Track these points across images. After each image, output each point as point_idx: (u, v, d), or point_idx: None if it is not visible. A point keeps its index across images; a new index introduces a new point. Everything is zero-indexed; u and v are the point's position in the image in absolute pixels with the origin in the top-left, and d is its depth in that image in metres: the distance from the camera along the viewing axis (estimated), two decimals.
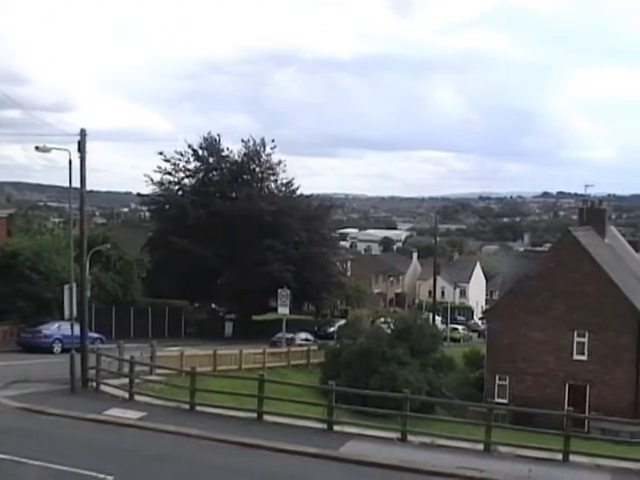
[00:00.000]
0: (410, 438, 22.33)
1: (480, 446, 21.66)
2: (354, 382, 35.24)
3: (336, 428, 23.10)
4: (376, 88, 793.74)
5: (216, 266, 63.23)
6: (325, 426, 23.24)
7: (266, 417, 24.19)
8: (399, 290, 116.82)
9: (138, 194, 78.04)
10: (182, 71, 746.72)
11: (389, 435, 22.69)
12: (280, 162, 71.27)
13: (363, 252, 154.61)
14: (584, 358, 41.68)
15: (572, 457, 20.84)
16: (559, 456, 20.92)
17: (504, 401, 41.54)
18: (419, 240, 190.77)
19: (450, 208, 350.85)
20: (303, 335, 58.42)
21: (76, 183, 29.28)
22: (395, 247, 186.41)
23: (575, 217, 57.70)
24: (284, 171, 71.51)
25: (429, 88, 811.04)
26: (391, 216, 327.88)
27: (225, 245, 63.30)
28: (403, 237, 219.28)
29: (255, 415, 24.32)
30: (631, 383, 40.70)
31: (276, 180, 72.09)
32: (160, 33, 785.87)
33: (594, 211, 51.52)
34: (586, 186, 56.63)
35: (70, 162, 28.30)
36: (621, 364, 40.91)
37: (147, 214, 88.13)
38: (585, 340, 41.67)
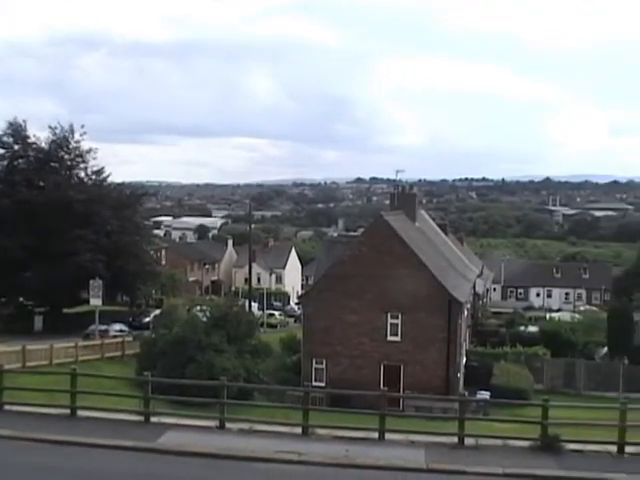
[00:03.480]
0: (228, 425, 22.15)
1: (298, 429, 21.75)
2: (171, 372, 34.88)
3: (153, 419, 22.58)
4: (189, 74, 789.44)
5: (23, 258, 60.62)
6: (142, 418, 22.67)
7: (80, 412, 23.28)
8: (215, 278, 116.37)
9: None
10: None
11: (207, 424, 22.39)
12: (90, 149, 69.17)
13: (178, 240, 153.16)
14: (398, 339, 42.80)
15: (388, 435, 21.25)
16: (375, 435, 21.29)
17: (321, 384, 42.05)
18: (234, 227, 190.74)
19: (265, 195, 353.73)
20: (117, 326, 57.25)
21: None
22: (210, 235, 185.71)
23: (388, 202, 59.14)
24: (94, 159, 69.50)
25: (243, 74, 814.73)
26: (206, 203, 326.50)
27: (32, 236, 60.71)
28: (218, 224, 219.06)
29: (68, 411, 23.37)
30: (442, 362, 42.18)
31: (86, 168, 69.86)
32: None
33: (405, 196, 53.08)
34: (397, 172, 58.31)
35: None
36: (433, 344, 42.30)
37: None
38: (398, 321, 42.77)
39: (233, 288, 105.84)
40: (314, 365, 43.73)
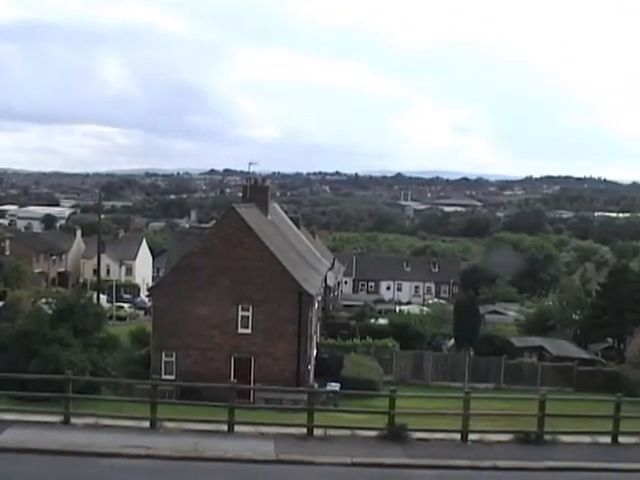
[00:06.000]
0: (74, 420, 21.52)
1: (146, 423, 21.39)
2: (13, 367, 33.60)
3: None
4: (36, 58, 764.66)
5: None
6: None
7: None
8: (62, 269, 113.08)
9: None
10: None
11: (51, 419, 21.69)
12: None
13: (23, 230, 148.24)
14: (248, 331, 42.71)
15: (237, 427, 21.18)
16: (224, 427, 21.18)
17: (171, 377, 41.56)
18: (83, 217, 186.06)
19: (115, 184, 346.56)
20: None
21: None
22: (58, 225, 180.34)
23: (241, 194, 58.85)
24: None
25: (93, 61, 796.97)
26: (54, 192, 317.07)
27: None
28: (66, 214, 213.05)
29: None
30: (293, 353, 42.41)
31: None
32: None
33: (258, 188, 53.02)
34: (250, 164, 58.03)
35: None
36: (284, 336, 42.45)
37: None
38: (249, 314, 42.70)
39: (81, 280, 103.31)
40: (164, 358, 43.08)
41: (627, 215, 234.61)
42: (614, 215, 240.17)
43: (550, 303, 78.13)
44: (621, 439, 21.81)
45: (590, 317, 65.19)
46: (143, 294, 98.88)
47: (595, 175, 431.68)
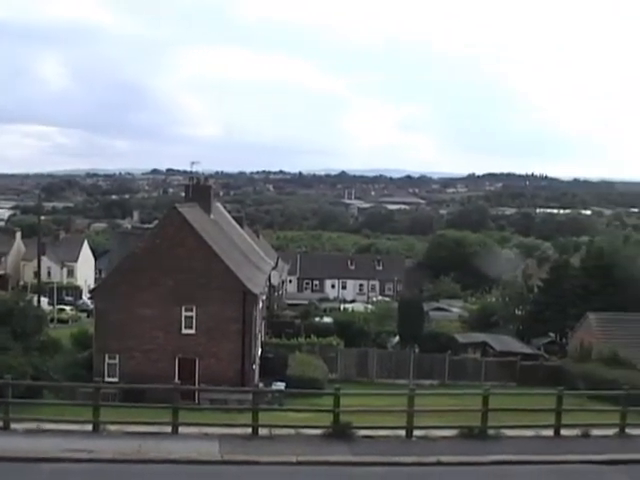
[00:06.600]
0: (14, 426, 21.18)
1: (89, 427, 21.14)
2: None
3: None
4: None
5: None
6: None
7: None
8: (2, 272, 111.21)
9: None
10: None
11: None
12: None
13: None
14: (192, 332, 42.39)
15: (181, 429, 21.04)
16: (168, 429, 21.01)
17: (115, 379, 41.07)
18: (23, 219, 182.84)
19: (56, 185, 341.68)
20: None
21: None
22: None
23: (184, 194, 58.39)
24: None
25: (31, 58, 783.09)
26: None
27: None
28: (6, 216, 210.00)
29: None
30: (238, 353, 42.20)
31: None
32: None
33: (200, 188, 52.69)
34: (192, 163, 57.72)
35: None
36: (228, 336, 42.23)
37: None
38: (193, 314, 42.38)
39: (21, 282, 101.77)
40: (107, 360, 42.53)
41: (568, 211, 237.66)
42: (555, 211, 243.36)
43: (493, 299, 78.94)
44: (563, 432, 22.09)
45: (532, 312, 66.03)
46: (85, 296, 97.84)
47: (537, 172, 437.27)
